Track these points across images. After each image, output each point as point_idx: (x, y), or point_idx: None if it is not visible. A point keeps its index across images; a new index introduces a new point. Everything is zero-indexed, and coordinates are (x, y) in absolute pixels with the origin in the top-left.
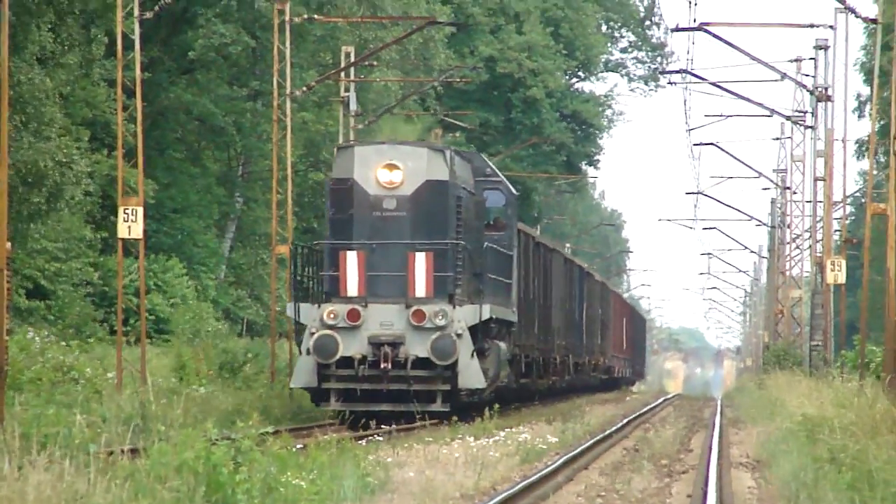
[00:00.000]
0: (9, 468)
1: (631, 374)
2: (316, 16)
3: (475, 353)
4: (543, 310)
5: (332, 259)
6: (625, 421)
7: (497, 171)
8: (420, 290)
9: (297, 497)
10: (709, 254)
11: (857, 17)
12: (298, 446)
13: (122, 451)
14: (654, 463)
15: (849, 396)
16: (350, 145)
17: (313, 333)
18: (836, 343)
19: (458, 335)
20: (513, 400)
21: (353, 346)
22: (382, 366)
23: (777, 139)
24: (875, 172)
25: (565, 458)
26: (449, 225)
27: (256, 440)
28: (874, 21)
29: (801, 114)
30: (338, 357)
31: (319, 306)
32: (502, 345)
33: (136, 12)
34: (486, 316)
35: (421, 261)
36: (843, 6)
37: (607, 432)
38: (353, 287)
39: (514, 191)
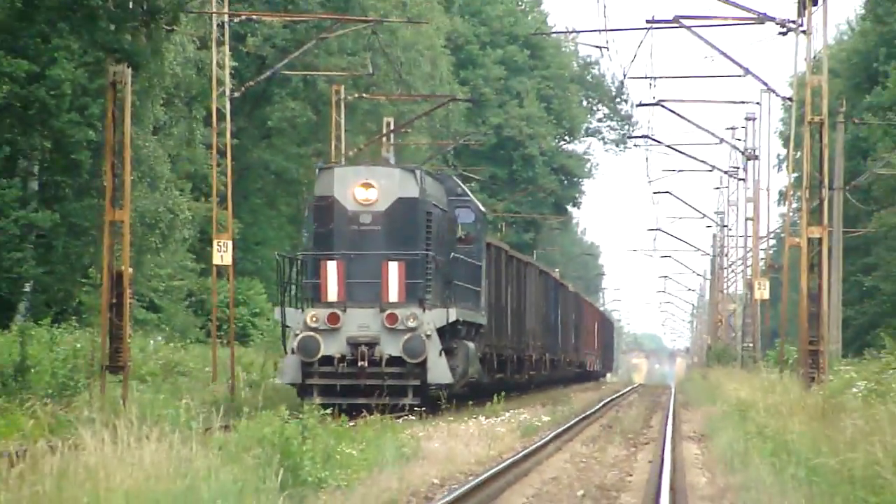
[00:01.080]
0: (131, 440)
1: (601, 369)
2: (364, 94)
3: (443, 352)
4: (517, 314)
5: (315, 268)
6: (601, 404)
7: (468, 191)
8: (393, 295)
9: (349, 463)
10: (665, 276)
11: (777, 95)
12: (350, 424)
13: (217, 428)
14: (623, 436)
15: (771, 385)
16: (331, 167)
17: (297, 335)
18: (763, 344)
19: (428, 336)
20: (488, 392)
21: (333, 346)
22: (360, 364)
23: (717, 188)
24: (791, 214)
25: (555, 432)
26: (419, 237)
27: (319, 419)
28: (789, 99)
29: (735, 169)
30: (319, 356)
31: (303, 310)
32: (471, 344)
33: (228, 93)
34: (452, 318)
35: (394, 269)
36: (766, 88)
37: (587, 413)
38: (332, 293)
39: (482, 209)
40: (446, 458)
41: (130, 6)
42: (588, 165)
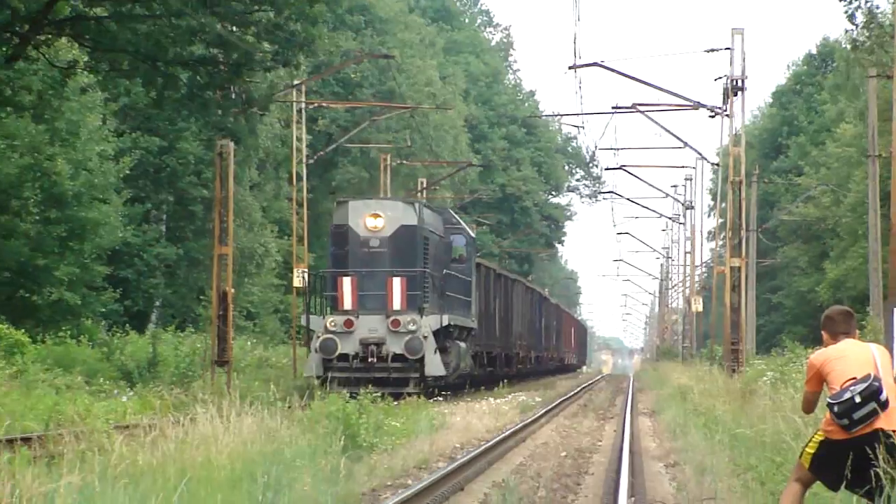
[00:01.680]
0: (233, 415)
1: (577, 362)
2: (404, 161)
3: (438, 350)
4: (504, 320)
5: (333, 283)
6: (578, 389)
7: (461, 220)
8: (396, 304)
9: (394, 432)
10: (626, 294)
11: (708, 162)
12: (395, 404)
13: (296, 407)
14: (595, 412)
15: (704, 375)
16: (346, 200)
17: (319, 337)
18: (697, 345)
19: (425, 337)
20: (480, 383)
21: (348, 346)
22: (369, 360)
23: (664, 230)
24: (718, 249)
25: (545, 410)
26: (417, 257)
27: (371, 400)
28: (717, 164)
29: (677, 216)
30: (337, 354)
31: (324, 317)
32: (462, 344)
33: (304, 160)
34: (445, 323)
35: (397, 284)
36: (700, 156)
37: (568, 395)
38: (348, 303)
39: (472, 235)
40: (465, 428)
41: (233, 97)
42: (568, 213)
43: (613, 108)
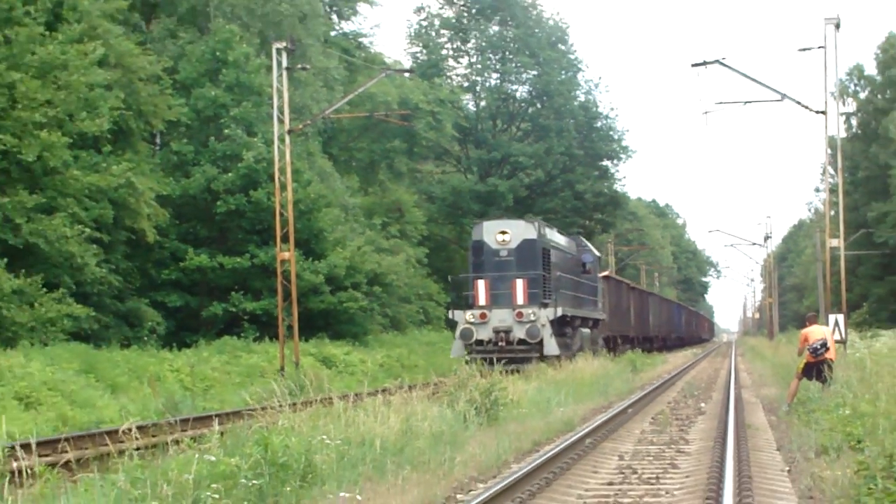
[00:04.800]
0: (299, 402)
1: (709, 337)
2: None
3: (553, 335)
4: (640, 316)
5: (472, 285)
6: (713, 349)
7: (589, 244)
8: (520, 300)
9: (645, 362)
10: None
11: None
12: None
13: (353, 396)
14: (721, 355)
15: (770, 343)
16: (481, 221)
17: (460, 327)
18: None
19: (543, 325)
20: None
21: (484, 333)
22: (500, 344)
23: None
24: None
25: (697, 359)
26: (537, 263)
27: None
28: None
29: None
30: (474, 340)
31: (465, 311)
32: (585, 330)
33: None
34: (560, 314)
35: (520, 284)
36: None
37: (708, 352)
38: (482, 300)
39: (597, 253)
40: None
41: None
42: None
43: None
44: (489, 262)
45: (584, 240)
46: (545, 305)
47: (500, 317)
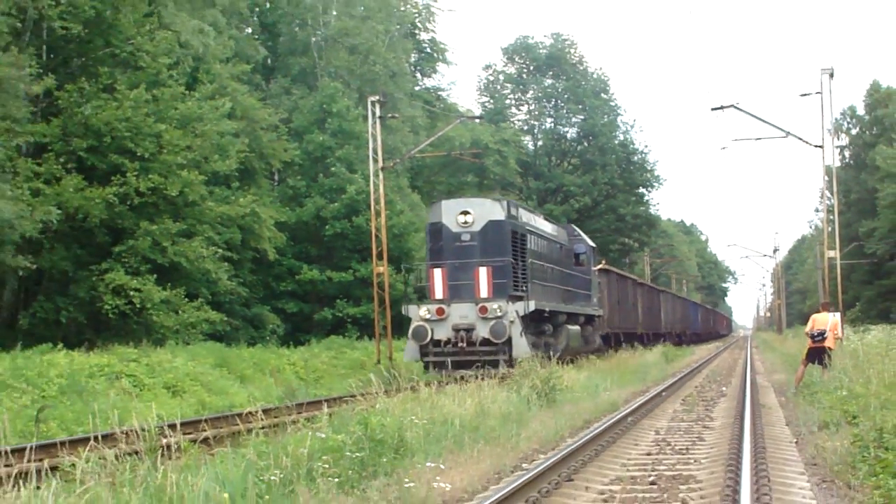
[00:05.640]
0: (392, 389)
1: (727, 332)
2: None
3: (525, 333)
4: (649, 313)
5: (428, 275)
6: (732, 342)
7: (582, 233)
8: (483, 292)
9: (676, 354)
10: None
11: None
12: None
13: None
14: (738, 347)
15: (778, 337)
16: (439, 201)
17: (414, 324)
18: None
19: (511, 321)
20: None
21: (442, 332)
22: (460, 345)
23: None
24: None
25: (718, 351)
26: (505, 249)
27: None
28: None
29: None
30: (428, 340)
31: (420, 306)
32: (573, 328)
33: None
34: (532, 308)
35: (483, 273)
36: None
37: (728, 345)
38: (439, 292)
39: (591, 244)
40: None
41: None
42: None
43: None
44: (449, 248)
45: (576, 228)
46: (515, 298)
47: (461, 312)
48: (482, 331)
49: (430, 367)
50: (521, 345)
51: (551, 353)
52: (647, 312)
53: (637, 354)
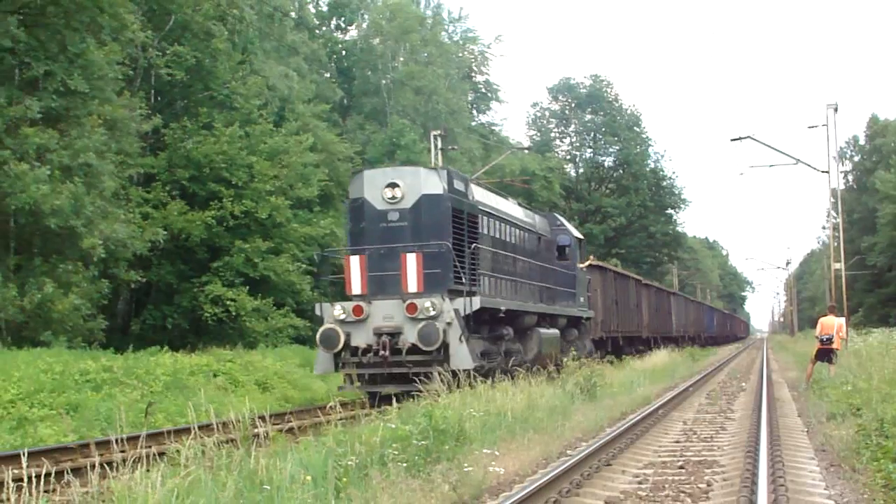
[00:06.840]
0: (452, 385)
1: (745, 335)
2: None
3: (468, 339)
4: (657, 315)
5: (345, 264)
6: (750, 343)
7: (566, 223)
8: (412, 286)
9: (700, 354)
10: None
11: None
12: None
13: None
14: (755, 348)
15: (791, 339)
16: (361, 170)
17: (323, 327)
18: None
19: (448, 323)
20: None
21: (361, 337)
22: (382, 353)
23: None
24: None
25: (738, 351)
26: (444, 231)
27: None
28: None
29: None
30: (340, 347)
31: (333, 304)
32: (550, 332)
33: None
34: (476, 307)
35: (412, 261)
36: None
37: (747, 346)
38: (356, 287)
39: (578, 235)
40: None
41: None
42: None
43: None
44: (372, 231)
45: (559, 217)
46: (456, 294)
47: (385, 312)
48: (410, 335)
49: (349, 381)
50: (462, 353)
51: (511, 363)
52: (654, 315)
53: (643, 360)
